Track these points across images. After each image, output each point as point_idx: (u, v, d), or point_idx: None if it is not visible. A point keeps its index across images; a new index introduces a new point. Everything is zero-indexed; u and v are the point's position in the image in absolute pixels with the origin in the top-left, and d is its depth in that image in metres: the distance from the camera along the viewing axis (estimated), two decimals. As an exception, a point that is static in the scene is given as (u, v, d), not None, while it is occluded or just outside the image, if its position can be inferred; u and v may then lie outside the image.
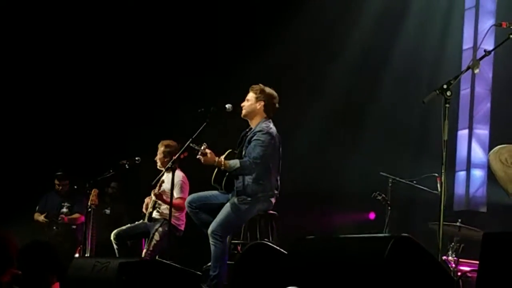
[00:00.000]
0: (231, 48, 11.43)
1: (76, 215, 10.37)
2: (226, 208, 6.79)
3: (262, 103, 7.02)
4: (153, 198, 8.32)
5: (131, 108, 11.44)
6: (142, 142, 10.17)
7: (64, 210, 10.39)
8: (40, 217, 10.36)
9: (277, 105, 7.11)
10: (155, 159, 8.58)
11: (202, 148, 6.72)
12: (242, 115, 7.10)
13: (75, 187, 9.69)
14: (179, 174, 8.28)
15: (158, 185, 8.23)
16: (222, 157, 6.83)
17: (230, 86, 7.12)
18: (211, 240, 6.72)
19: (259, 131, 6.90)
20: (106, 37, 11.55)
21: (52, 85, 11.42)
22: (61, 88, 11.41)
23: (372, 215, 10.41)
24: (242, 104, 7.08)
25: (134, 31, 11.55)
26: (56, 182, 10.52)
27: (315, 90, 11.19)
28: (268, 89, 7.10)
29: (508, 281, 3.49)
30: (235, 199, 6.80)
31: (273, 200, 6.97)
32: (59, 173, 10.52)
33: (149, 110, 11.32)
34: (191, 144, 6.93)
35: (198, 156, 6.73)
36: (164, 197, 8.19)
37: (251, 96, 7.07)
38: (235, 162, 6.79)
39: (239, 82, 7.66)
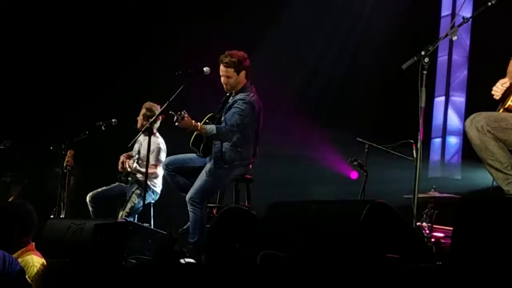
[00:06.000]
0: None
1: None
2: (203, 174, 6.74)
3: (244, 72, 6.84)
4: (130, 168, 8.32)
5: (107, 69, 11.37)
6: (119, 104, 10.13)
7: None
8: None
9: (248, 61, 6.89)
10: (137, 118, 8.53)
11: (182, 114, 6.56)
12: (227, 90, 6.91)
13: (51, 148, 9.57)
14: (156, 140, 8.26)
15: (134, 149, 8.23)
16: (200, 123, 6.70)
17: (207, 48, 6.99)
18: (189, 207, 6.67)
19: (241, 99, 6.77)
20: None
21: (29, 45, 11.32)
22: (38, 49, 11.33)
23: (354, 175, 10.31)
24: (222, 81, 6.83)
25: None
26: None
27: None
28: (239, 55, 6.84)
29: (482, 247, 3.52)
30: (211, 165, 6.75)
31: (250, 166, 6.95)
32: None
33: (126, 71, 11.24)
34: (170, 112, 6.71)
35: (176, 124, 6.59)
36: (141, 170, 8.14)
37: (230, 72, 6.79)
38: (211, 128, 6.71)
39: (216, 45, 7.51)
